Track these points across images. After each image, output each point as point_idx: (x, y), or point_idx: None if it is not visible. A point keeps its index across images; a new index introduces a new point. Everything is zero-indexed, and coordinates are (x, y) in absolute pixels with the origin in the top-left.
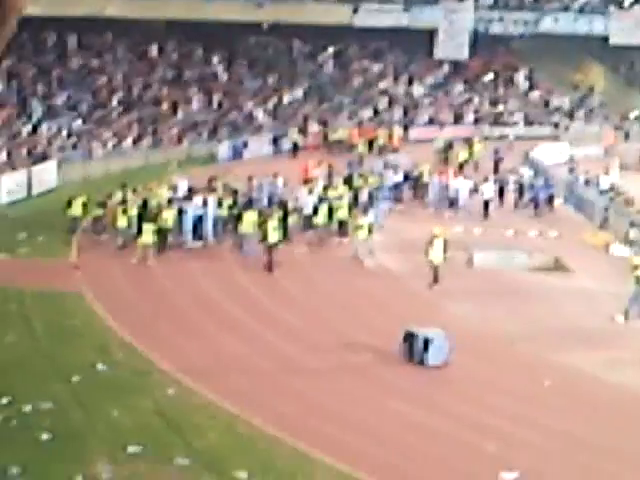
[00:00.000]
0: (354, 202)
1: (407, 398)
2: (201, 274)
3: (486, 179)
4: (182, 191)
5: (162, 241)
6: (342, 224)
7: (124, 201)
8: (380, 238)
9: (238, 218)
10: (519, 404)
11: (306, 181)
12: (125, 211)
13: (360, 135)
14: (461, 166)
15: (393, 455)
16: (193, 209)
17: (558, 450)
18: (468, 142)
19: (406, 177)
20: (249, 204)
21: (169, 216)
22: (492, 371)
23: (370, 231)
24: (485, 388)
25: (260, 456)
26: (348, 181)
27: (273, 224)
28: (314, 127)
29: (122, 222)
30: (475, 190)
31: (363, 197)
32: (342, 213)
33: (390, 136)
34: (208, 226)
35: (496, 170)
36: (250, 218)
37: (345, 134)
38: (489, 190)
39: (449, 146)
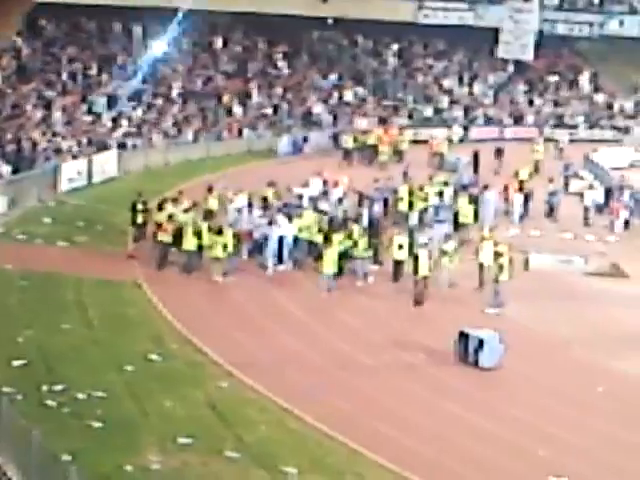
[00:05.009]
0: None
1: (459, 399)
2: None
3: (591, 186)
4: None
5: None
6: (398, 264)
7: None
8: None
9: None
10: (572, 409)
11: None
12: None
13: (384, 141)
14: (521, 182)
15: (443, 455)
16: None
17: (608, 456)
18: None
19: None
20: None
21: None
22: (545, 374)
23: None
24: (538, 391)
25: (310, 452)
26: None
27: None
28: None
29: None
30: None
31: (412, 220)
32: (400, 253)
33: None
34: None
35: (566, 187)
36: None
37: (374, 138)
38: (588, 198)
39: (500, 152)
